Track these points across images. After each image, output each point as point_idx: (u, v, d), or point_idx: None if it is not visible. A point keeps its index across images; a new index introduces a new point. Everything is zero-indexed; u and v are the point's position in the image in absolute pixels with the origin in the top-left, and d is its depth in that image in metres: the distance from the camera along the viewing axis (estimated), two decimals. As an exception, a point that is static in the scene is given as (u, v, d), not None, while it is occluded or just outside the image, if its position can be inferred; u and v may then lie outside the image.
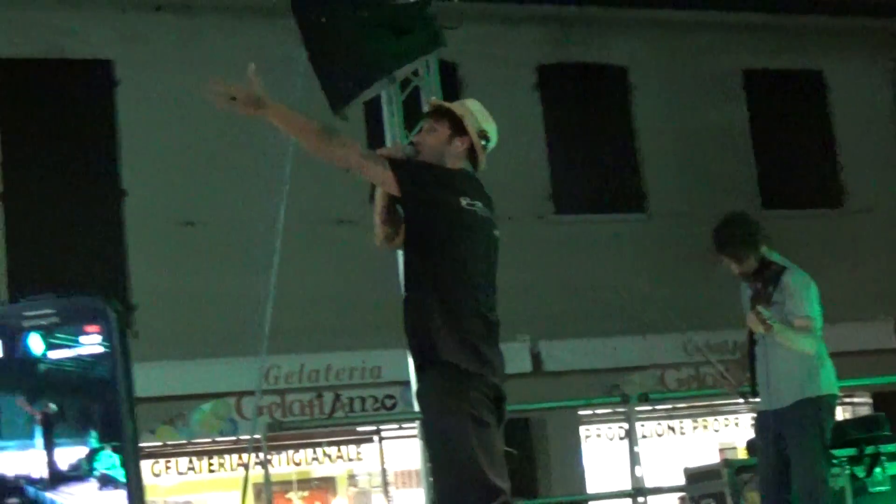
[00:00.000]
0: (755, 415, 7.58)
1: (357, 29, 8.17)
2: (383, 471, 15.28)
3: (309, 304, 14.70)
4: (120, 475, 1.30)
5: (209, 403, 14.55)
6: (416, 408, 5.58)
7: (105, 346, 1.34)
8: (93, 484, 1.37)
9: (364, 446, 15.59)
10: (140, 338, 14.50)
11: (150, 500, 15.31)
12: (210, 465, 15.05)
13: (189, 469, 15.01)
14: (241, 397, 14.42)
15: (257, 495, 13.37)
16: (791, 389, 7.10)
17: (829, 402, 7.19)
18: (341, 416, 14.97)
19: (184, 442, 14.75)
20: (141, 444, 13.07)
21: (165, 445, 14.75)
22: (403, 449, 14.82)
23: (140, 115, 14.95)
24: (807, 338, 7.07)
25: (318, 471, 15.96)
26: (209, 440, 14.84)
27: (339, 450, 15.51)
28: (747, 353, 7.28)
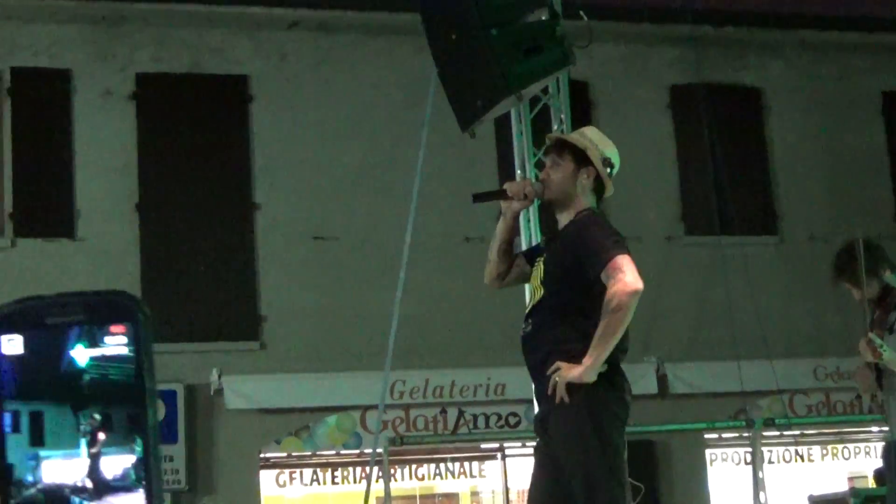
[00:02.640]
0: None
1: (487, 47, 8.17)
2: (506, 489, 15.26)
3: (435, 320, 14.76)
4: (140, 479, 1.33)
5: (334, 416, 14.67)
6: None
7: (130, 349, 1.36)
8: (141, 494, 1.40)
9: (487, 463, 15.57)
10: (269, 350, 14.71)
11: (275, 511, 15.49)
12: (334, 477, 15.14)
13: (313, 481, 15.11)
14: (365, 411, 14.52)
15: (380, 509, 13.42)
16: None
17: None
18: (465, 433, 14.99)
19: (308, 454, 14.89)
20: (266, 455, 13.31)
21: (290, 456, 14.90)
22: (527, 467, 14.78)
23: (274, 130, 15.17)
24: None
25: (441, 486, 15.97)
26: (333, 452, 14.96)
27: (462, 466, 15.50)
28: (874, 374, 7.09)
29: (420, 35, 8.94)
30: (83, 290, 1.28)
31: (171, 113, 14.96)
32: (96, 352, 1.34)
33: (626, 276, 5.11)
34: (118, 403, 1.40)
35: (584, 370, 5.09)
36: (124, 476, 1.38)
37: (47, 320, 1.33)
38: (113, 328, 1.35)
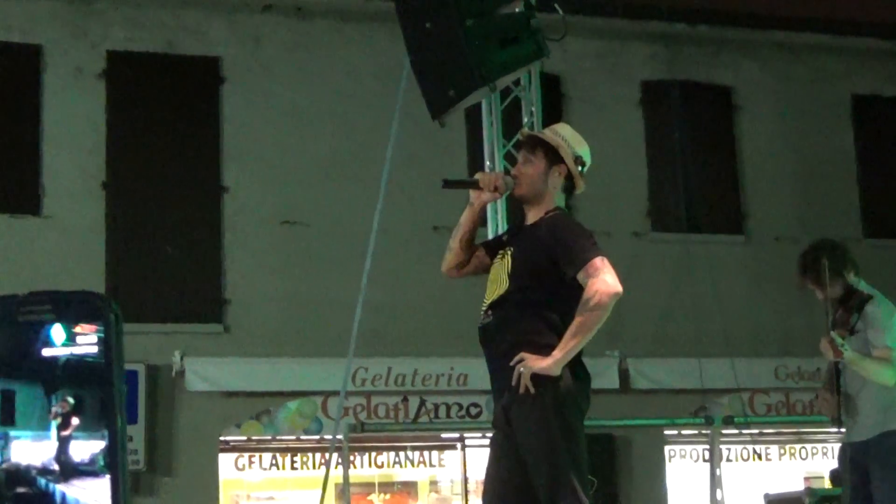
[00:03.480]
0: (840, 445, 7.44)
1: (461, 37, 8.18)
2: (464, 479, 15.28)
3: (400, 308, 14.76)
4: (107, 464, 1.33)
5: (296, 402, 14.65)
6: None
7: (100, 345, 1.36)
8: (107, 480, 1.39)
9: (447, 453, 15.58)
10: (232, 333, 14.68)
11: (234, 494, 15.46)
12: (293, 462, 15.13)
13: (272, 465, 15.10)
14: (327, 397, 14.51)
15: (338, 496, 13.42)
16: (874, 421, 6.99)
17: None
18: (425, 422, 14.99)
19: (268, 438, 14.87)
20: (227, 438, 13.25)
21: (250, 440, 14.87)
22: (486, 458, 14.78)
23: (245, 114, 15.12)
24: (885, 369, 6.92)
25: (400, 475, 15.97)
26: (293, 438, 14.93)
27: (421, 455, 15.51)
28: (834, 381, 7.14)
29: (394, 22, 8.94)
30: (56, 290, 1.27)
31: (142, 92, 14.88)
32: (67, 350, 1.34)
33: (608, 278, 5.17)
34: (90, 392, 1.40)
35: (552, 363, 5.11)
36: (92, 461, 1.37)
37: (19, 318, 1.32)
38: (84, 327, 1.34)
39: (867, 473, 7.02)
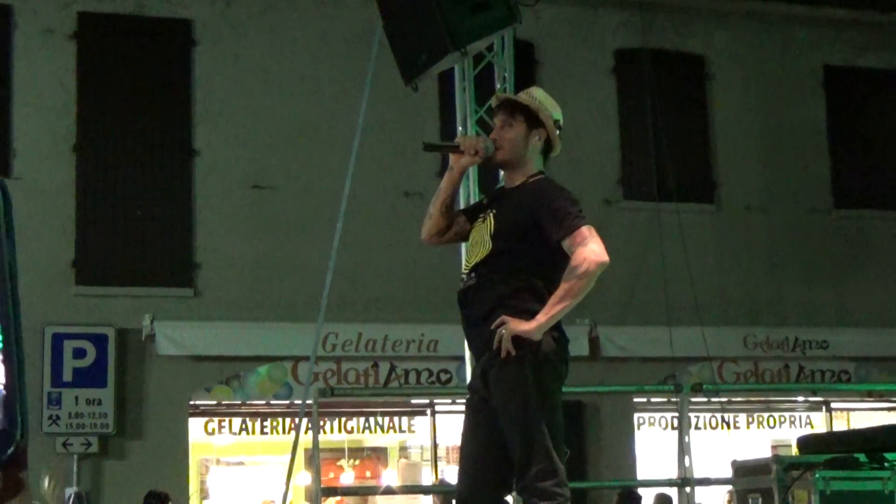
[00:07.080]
0: None
1: (433, 1, 8.15)
2: (434, 445, 15.31)
3: (371, 273, 14.76)
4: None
5: (266, 366, 14.64)
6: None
7: None
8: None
9: (417, 419, 15.60)
10: (202, 297, 14.65)
11: (203, 458, 15.47)
12: (263, 427, 15.12)
13: (242, 430, 15.09)
14: (297, 362, 14.51)
15: (308, 461, 13.43)
16: None
17: None
18: (395, 388, 14.99)
19: (238, 403, 14.86)
20: (196, 402, 13.19)
21: (220, 405, 14.86)
22: (456, 424, 14.82)
23: (216, 77, 15.05)
24: None
25: (369, 440, 16.01)
26: (263, 402, 14.93)
27: (391, 421, 15.52)
28: None
29: (368, -14, 8.90)
30: None
31: (113, 54, 14.79)
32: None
33: (595, 247, 5.15)
34: None
35: (535, 327, 5.08)
36: None
37: None
38: None
39: None
